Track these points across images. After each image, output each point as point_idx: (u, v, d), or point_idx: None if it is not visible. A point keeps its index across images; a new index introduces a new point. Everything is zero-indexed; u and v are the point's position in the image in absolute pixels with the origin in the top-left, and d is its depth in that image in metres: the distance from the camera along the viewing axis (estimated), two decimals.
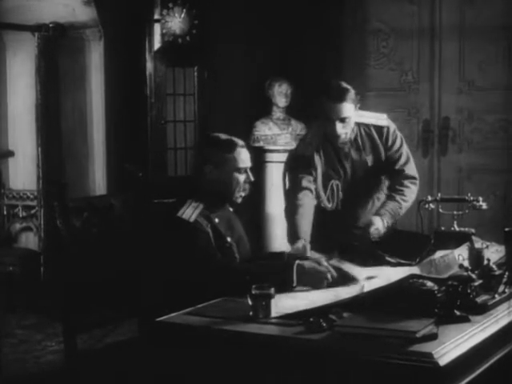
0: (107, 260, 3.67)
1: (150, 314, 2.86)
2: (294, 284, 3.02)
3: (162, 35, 6.15)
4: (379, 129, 3.95)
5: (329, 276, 3.03)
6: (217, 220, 3.30)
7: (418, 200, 3.96)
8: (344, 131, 3.80)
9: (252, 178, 3.38)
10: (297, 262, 3.06)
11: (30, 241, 6.57)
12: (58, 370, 4.35)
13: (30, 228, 6.57)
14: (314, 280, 3.04)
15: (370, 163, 3.94)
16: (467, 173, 5.97)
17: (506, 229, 3.08)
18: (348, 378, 2.36)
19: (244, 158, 3.35)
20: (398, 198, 3.95)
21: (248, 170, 3.37)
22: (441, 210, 3.82)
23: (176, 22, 6.15)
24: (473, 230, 3.53)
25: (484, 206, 3.66)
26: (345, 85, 3.78)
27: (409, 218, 5.58)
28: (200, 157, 3.43)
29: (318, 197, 3.90)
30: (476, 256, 3.02)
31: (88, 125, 6.47)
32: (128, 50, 6.17)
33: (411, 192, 3.99)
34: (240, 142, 3.36)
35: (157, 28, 6.19)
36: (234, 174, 3.33)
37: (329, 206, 3.92)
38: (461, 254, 3.12)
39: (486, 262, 2.92)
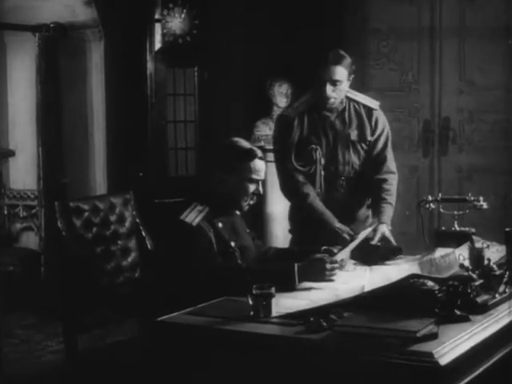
0: (107, 260, 3.68)
1: (150, 314, 2.86)
2: (296, 284, 3.03)
3: (163, 35, 6.15)
4: (369, 110, 4.03)
5: (328, 265, 3.05)
6: (220, 225, 3.28)
7: (418, 200, 3.97)
8: (334, 95, 3.89)
9: (261, 191, 3.34)
10: (296, 264, 3.06)
11: (30, 241, 6.57)
12: (58, 370, 4.35)
13: (30, 228, 6.57)
14: (316, 272, 3.06)
15: (353, 137, 3.99)
16: (468, 173, 5.97)
17: (507, 229, 3.08)
18: (348, 377, 2.36)
19: (259, 169, 3.31)
20: (390, 200, 3.97)
21: (259, 182, 3.33)
22: (441, 210, 3.82)
23: (176, 22, 6.15)
24: (473, 230, 3.54)
25: (484, 205, 3.67)
26: (342, 52, 3.90)
27: (409, 218, 5.61)
28: (213, 159, 3.39)
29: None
30: (476, 256, 3.03)
31: (88, 125, 6.48)
32: (128, 50, 6.16)
33: (395, 189, 4.03)
34: (259, 153, 3.32)
35: (157, 28, 6.18)
36: (246, 183, 3.29)
37: (304, 169, 3.95)
38: (461, 254, 3.12)
39: (486, 261, 2.92)
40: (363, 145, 4.01)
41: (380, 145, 4.03)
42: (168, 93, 6.27)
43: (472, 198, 3.68)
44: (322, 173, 3.95)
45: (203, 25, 6.15)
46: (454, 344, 2.35)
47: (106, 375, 3.39)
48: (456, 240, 3.41)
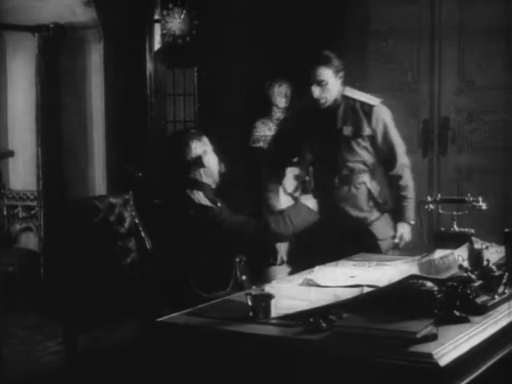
0: (107, 260, 3.68)
1: (150, 314, 2.87)
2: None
3: (162, 36, 6.16)
4: (368, 106, 4.07)
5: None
6: (219, 204, 3.42)
7: (417, 201, 3.99)
8: (323, 95, 3.98)
9: None
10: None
11: (30, 241, 6.57)
12: (58, 371, 4.35)
13: (30, 228, 6.57)
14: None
15: (346, 133, 4.05)
16: (467, 173, 5.97)
17: (506, 229, 3.08)
18: (348, 378, 2.36)
19: None
20: (409, 195, 4.15)
21: None
22: (440, 211, 3.82)
23: (176, 22, 6.16)
24: (472, 231, 3.53)
25: (484, 206, 3.66)
26: (328, 52, 4.00)
27: None
28: (191, 154, 3.44)
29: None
30: (476, 257, 3.02)
31: (88, 125, 6.47)
32: (128, 51, 6.17)
33: (411, 181, 4.18)
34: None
35: (157, 29, 6.20)
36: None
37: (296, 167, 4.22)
38: (460, 255, 3.12)
39: (485, 262, 2.92)
40: (360, 140, 4.06)
41: (380, 139, 4.09)
42: (167, 93, 6.28)
43: (471, 199, 3.67)
44: (311, 168, 4.10)
45: (203, 25, 6.16)
46: (453, 345, 2.35)
47: (105, 375, 3.39)
48: (455, 241, 3.41)
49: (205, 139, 3.49)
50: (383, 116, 4.10)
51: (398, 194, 4.13)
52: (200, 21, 6.16)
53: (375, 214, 4.12)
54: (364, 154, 4.08)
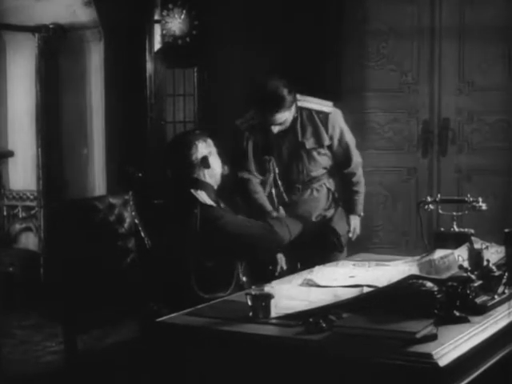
0: (106, 260, 3.68)
1: (150, 315, 2.87)
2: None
3: (162, 36, 6.16)
4: (323, 115, 4.08)
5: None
6: (222, 205, 3.43)
7: (417, 201, 3.99)
8: (283, 127, 3.97)
9: None
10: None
11: (29, 241, 6.57)
12: (57, 371, 4.35)
13: (29, 228, 6.57)
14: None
15: (309, 146, 4.06)
16: (467, 173, 5.96)
17: (506, 230, 3.08)
18: (347, 378, 2.36)
19: None
20: (360, 190, 4.26)
21: None
22: (440, 211, 3.83)
23: (176, 23, 6.15)
24: (472, 231, 3.53)
25: (484, 206, 3.66)
26: (280, 91, 3.87)
27: (409, 218, 5.60)
28: (197, 154, 3.45)
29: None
30: (476, 257, 3.02)
31: (88, 125, 6.48)
32: (128, 51, 6.17)
33: (362, 176, 4.28)
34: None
35: (157, 29, 6.19)
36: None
37: (261, 178, 4.14)
38: (460, 255, 3.12)
39: (485, 262, 2.92)
40: (321, 150, 4.10)
41: (336, 144, 4.13)
42: (167, 93, 6.27)
43: (471, 199, 3.67)
44: (280, 182, 4.08)
45: (203, 26, 6.15)
46: (453, 345, 2.35)
47: (105, 376, 3.39)
48: (455, 241, 3.41)
49: (210, 141, 3.51)
50: (338, 121, 4.13)
51: (351, 188, 4.24)
52: (200, 21, 6.16)
53: (332, 210, 4.20)
54: (324, 160, 4.13)
